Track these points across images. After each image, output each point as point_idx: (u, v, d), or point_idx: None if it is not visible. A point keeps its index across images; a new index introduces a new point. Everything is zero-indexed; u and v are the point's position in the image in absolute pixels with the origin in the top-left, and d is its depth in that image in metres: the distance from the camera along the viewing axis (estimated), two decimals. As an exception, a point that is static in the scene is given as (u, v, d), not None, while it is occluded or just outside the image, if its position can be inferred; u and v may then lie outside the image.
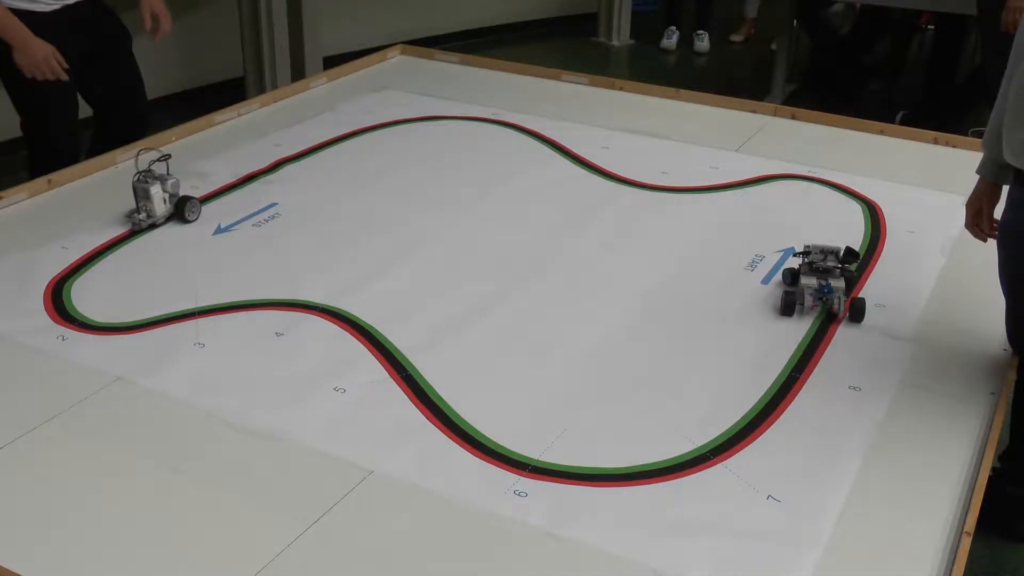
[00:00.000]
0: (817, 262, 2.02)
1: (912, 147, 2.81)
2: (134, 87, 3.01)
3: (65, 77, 2.73)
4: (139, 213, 2.26)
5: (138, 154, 2.32)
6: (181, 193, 2.32)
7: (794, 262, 2.08)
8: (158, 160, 2.30)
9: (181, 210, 2.30)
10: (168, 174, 2.30)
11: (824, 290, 1.98)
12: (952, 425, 1.67)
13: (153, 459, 1.55)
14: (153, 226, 2.27)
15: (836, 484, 1.53)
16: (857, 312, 1.96)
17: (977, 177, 1.91)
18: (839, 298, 1.97)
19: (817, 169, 2.62)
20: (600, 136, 2.84)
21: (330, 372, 1.76)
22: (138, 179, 2.27)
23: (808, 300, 1.97)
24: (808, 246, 2.04)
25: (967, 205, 1.94)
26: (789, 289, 2.01)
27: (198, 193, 2.43)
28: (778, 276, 2.10)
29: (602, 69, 5.99)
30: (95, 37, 2.87)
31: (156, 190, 2.26)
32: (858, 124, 2.91)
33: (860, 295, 2.02)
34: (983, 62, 4.38)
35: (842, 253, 2.04)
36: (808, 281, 2.00)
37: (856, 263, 2.06)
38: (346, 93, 3.15)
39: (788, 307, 1.98)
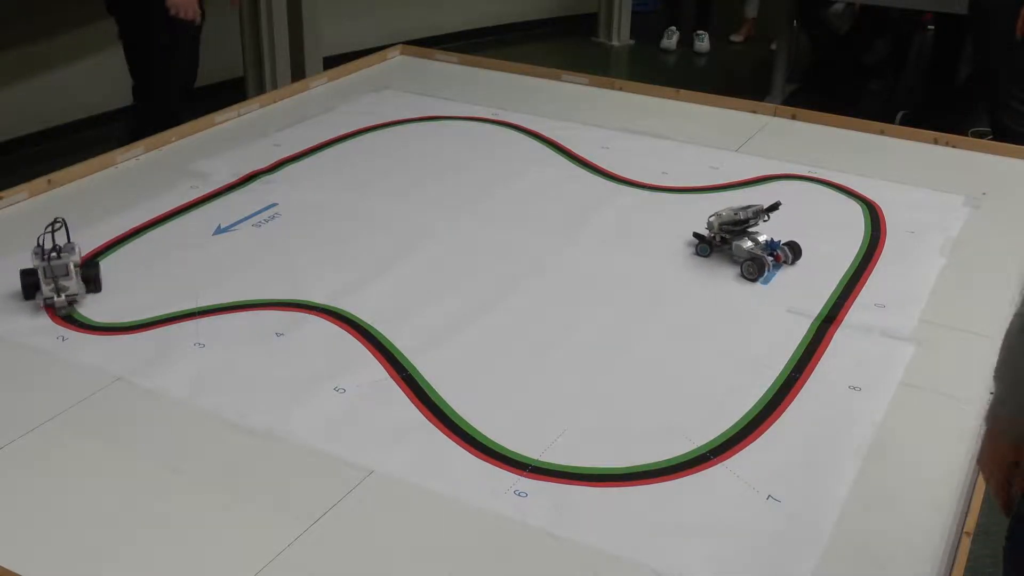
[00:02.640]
0: (752, 225, 2.10)
1: (912, 147, 2.81)
2: (196, 65, 3.55)
3: (199, 22, 3.31)
4: (57, 295, 1.89)
5: (50, 230, 1.93)
6: (78, 259, 1.94)
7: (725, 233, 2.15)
8: (52, 228, 1.93)
9: (95, 277, 1.96)
10: (69, 241, 1.95)
11: (772, 245, 2.08)
12: (952, 425, 1.67)
13: (153, 459, 1.55)
14: (72, 303, 1.91)
15: (836, 484, 1.53)
16: (797, 254, 2.11)
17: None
18: (784, 248, 2.09)
19: (817, 169, 2.62)
20: (600, 136, 2.83)
21: (330, 372, 1.76)
22: (48, 256, 1.89)
23: (767, 260, 2.07)
24: (732, 212, 2.11)
25: (982, 465, 1.33)
26: (750, 256, 2.07)
27: (198, 192, 2.43)
28: (693, 250, 2.18)
29: (602, 69, 6.00)
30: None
31: (72, 264, 1.90)
32: (858, 124, 2.91)
33: (860, 294, 2.03)
34: (978, 64, 4.38)
35: (766, 207, 2.12)
36: (747, 243, 2.09)
37: (777, 209, 2.16)
38: (346, 93, 3.15)
39: (760, 269, 2.05)
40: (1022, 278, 2.12)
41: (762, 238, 2.11)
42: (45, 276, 1.89)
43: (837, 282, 2.08)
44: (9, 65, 4.47)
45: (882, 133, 2.88)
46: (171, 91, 3.48)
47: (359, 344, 1.85)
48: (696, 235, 2.19)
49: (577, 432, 1.63)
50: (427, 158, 2.70)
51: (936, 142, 2.82)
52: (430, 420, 1.65)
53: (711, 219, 2.16)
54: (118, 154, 2.61)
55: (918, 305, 2.01)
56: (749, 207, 2.13)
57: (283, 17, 4.83)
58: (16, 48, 4.49)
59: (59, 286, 1.90)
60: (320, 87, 3.21)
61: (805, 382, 1.77)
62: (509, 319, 1.95)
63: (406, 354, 1.82)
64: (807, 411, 1.69)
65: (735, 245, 2.11)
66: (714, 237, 2.14)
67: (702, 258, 2.15)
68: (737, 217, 2.11)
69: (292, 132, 2.82)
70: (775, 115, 3.00)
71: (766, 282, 2.09)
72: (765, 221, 2.13)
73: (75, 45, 4.35)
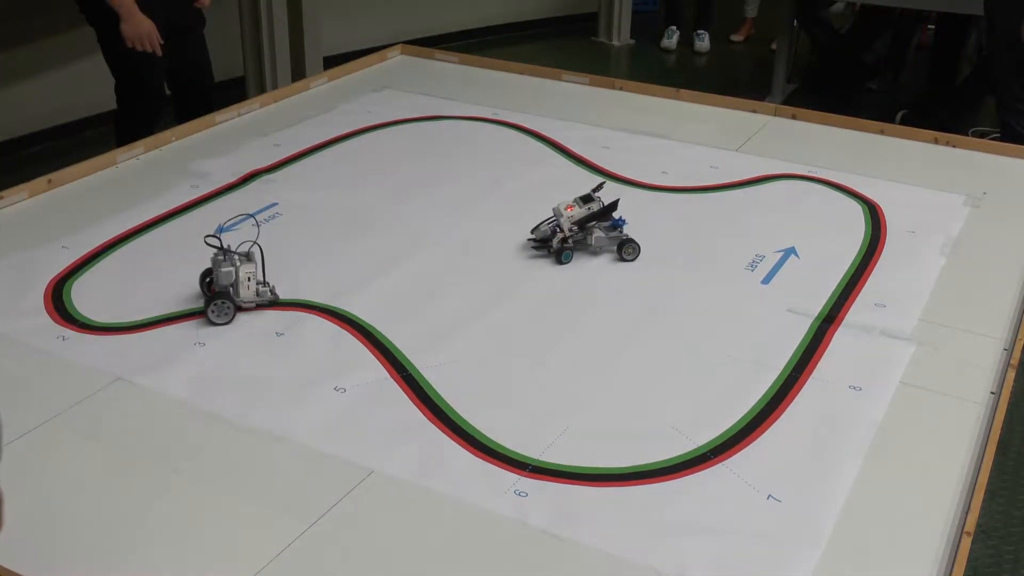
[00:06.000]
0: (593, 209, 2.14)
1: (912, 147, 2.81)
2: (202, 65, 3.57)
3: (159, 53, 3.27)
4: (264, 286, 1.96)
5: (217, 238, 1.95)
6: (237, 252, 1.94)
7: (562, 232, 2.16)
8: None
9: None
10: (220, 241, 1.94)
11: (618, 223, 2.16)
12: (952, 425, 1.67)
13: (153, 459, 1.55)
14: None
15: (836, 484, 1.53)
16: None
17: None
18: (623, 224, 2.17)
19: (817, 169, 2.62)
20: (600, 136, 2.83)
21: (330, 372, 1.76)
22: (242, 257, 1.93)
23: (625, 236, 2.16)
24: (581, 208, 2.14)
25: None
26: (621, 241, 2.15)
27: (198, 192, 2.43)
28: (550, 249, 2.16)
29: (602, 69, 5.99)
30: (181, 12, 3.41)
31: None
32: (858, 124, 2.91)
33: (860, 294, 2.03)
34: (986, 62, 4.38)
35: (592, 190, 2.19)
36: (603, 232, 2.15)
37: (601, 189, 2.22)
38: (346, 93, 3.15)
39: (637, 247, 2.15)
40: (1022, 278, 2.12)
41: (605, 222, 2.16)
42: (252, 278, 1.93)
43: (837, 282, 2.08)
44: (9, 65, 4.47)
45: (882, 133, 2.88)
46: (150, 90, 3.46)
47: (359, 344, 1.85)
48: (540, 244, 2.17)
49: (577, 432, 1.63)
50: (427, 158, 2.70)
51: (936, 142, 2.82)
52: (430, 420, 1.65)
53: (552, 224, 2.15)
54: (118, 154, 2.61)
55: (918, 305, 2.01)
56: (585, 199, 2.15)
57: (283, 17, 4.82)
58: (16, 48, 4.49)
59: (261, 280, 1.95)
60: (320, 87, 3.21)
61: (805, 382, 1.77)
62: (509, 319, 1.95)
63: (406, 354, 1.82)
64: (807, 411, 1.69)
65: (596, 237, 2.15)
66: (566, 239, 2.13)
67: (628, 262, 2.15)
68: (590, 211, 2.14)
69: (292, 132, 2.82)
70: (775, 115, 3.00)
71: (766, 281, 2.09)
72: (598, 207, 2.15)
73: (75, 45, 4.34)
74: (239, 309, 1.92)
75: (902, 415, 1.69)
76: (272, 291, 1.96)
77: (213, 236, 1.96)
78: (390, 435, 1.61)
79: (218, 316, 1.90)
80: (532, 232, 2.19)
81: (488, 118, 2.96)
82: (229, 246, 1.94)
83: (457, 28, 6.20)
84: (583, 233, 2.15)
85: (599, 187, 2.21)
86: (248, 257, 1.94)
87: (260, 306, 1.94)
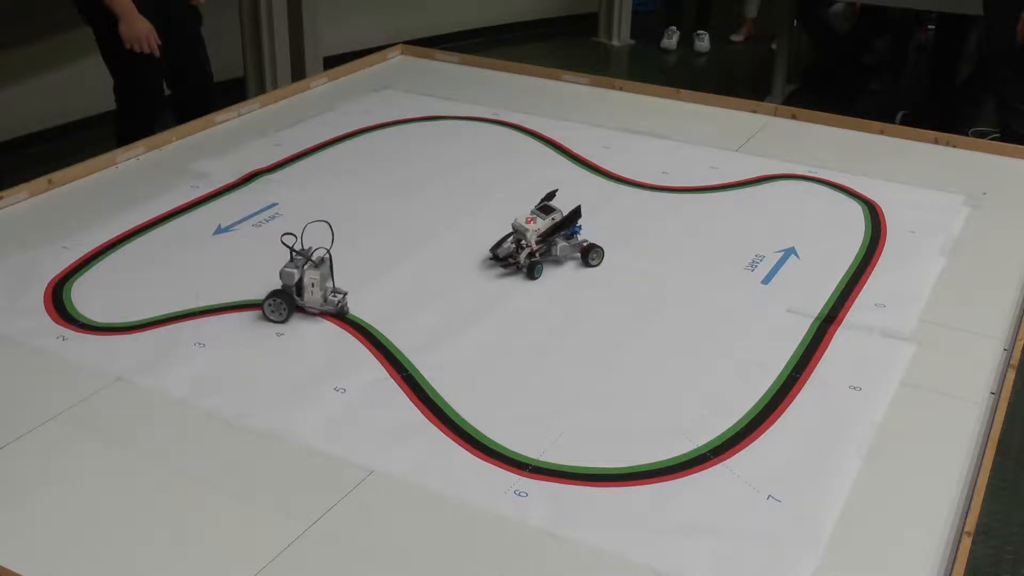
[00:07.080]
0: (556, 219, 2.10)
1: (912, 147, 2.81)
2: (201, 64, 3.62)
3: (158, 54, 3.33)
4: (333, 294, 1.93)
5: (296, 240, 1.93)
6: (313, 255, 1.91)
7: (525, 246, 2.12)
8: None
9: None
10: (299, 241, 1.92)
11: (575, 230, 2.12)
12: (952, 425, 1.67)
13: (153, 459, 1.55)
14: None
15: (836, 484, 1.53)
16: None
17: None
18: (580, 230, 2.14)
19: (817, 169, 2.62)
20: (600, 136, 2.83)
21: (330, 372, 1.76)
22: (314, 261, 1.90)
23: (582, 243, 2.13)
24: (542, 220, 2.09)
25: None
26: (586, 247, 2.12)
27: (198, 192, 2.43)
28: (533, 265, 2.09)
29: (602, 69, 6.00)
30: (178, 12, 3.47)
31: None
32: (858, 124, 2.91)
33: (860, 294, 2.03)
34: (986, 62, 4.39)
35: (544, 198, 2.16)
36: (565, 241, 2.12)
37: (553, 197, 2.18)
38: (346, 93, 3.15)
39: (602, 251, 2.12)
40: (1022, 278, 2.12)
41: (562, 231, 2.12)
42: (321, 284, 1.90)
43: (837, 282, 2.08)
44: (9, 65, 4.47)
45: (882, 133, 2.88)
46: (150, 90, 3.49)
47: (359, 344, 1.85)
48: (504, 262, 2.11)
49: (577, 432, 1.63)
50: (427, 158, 2.70)
51: (936, 142, 2.82)
52: (430, 420, 1.65)
53: (515, 241, 2.09)
54: (118, 154, 2.61)
55: (918, 305, 2.01)
56: (544, 209, 2.10)
57: (283, 17, 4.83)
58: (16, 48, 4.49)
59: (332, 288, 1.93)
60: (320, 87, 3.21)
61: (805, 382, 1.77)
62: (509, 319, 1.95)
63: (406, 354, 1.82)
64: (807, 411, 1.69)
65: (560, 247, 2.10)
66: (533, 253, 2.09)
67: (593, 267, 2.12)
68: (554, 221, 2.09)
69: (292, 132, 2.82)
70: (775, 115, 3.00)
71: (766, 281, 2.09)
72: (560, 217, 2.11)
73: (75, 45, 4.35)
74: (299, 310, 1.91)
75: (902, 415, 1.69)
76: (341, 301, 1.92)
77: (289, 233, 1.94)
78: (390, 435, 1.61)
79: (272, 313, 1.90)
80: (493, 250, 2.13)
81: (488, 118, 2.96)
82: (310, 248, 1.91)
83: (457, 28, 6.21)
84: (546, 244, 2.10)
85: (552, 195, 2.15)
86: (318, 263, 1.91)
87: (325, 313, 1.92)
